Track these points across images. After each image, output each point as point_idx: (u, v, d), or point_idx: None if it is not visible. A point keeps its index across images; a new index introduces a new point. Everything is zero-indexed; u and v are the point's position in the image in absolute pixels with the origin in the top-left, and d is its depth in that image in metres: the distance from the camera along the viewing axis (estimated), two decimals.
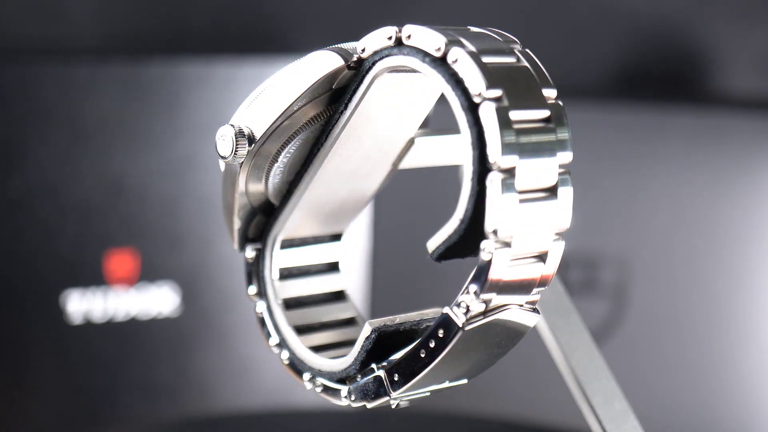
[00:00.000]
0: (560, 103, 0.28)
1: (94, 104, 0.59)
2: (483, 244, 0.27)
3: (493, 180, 0.26)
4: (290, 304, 0.34)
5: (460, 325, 0.28)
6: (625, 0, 0.72)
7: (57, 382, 0.59)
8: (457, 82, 0.27)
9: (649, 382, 0.63)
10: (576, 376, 0.34)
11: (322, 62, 0.30)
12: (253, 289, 0.34)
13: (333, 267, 0.35)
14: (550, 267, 0.28)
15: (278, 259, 0.34)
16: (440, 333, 0.28)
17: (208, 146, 0.61)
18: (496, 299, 0.28)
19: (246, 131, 0.31)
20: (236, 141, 0.31)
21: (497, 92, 0.26)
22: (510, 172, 0.26)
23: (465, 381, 0.31)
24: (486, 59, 0.27)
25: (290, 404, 0.63)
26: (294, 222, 0.34)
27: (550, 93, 0.28)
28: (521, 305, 0.28)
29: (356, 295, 0.64)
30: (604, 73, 0.73)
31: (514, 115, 0.27)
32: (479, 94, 0.26)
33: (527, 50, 0.28)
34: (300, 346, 0.33)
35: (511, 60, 0.27)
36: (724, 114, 0.64)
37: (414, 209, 0.66)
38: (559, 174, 0.27)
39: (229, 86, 0.62)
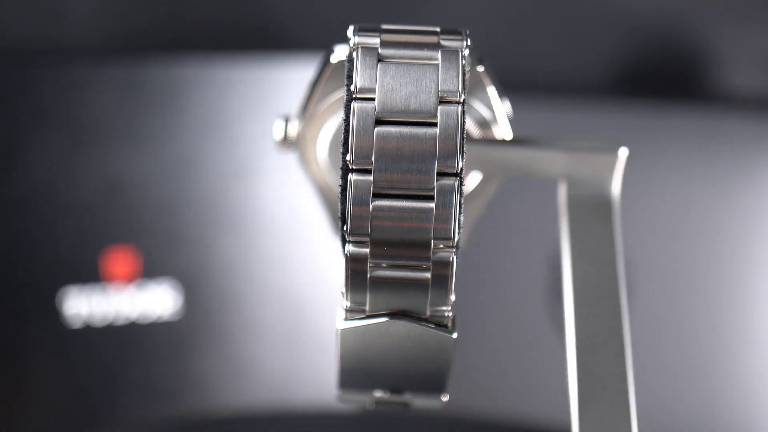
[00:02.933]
0: (457, 107, 0.27)
1: (94, 104, 0.59)
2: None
3: (348, 179, 0.26)
4: None
5: (337, 325, 0.28)
6: (625, 0, 0.72)
7: (57, 382, 0.59)
8: (348, 79, 0.27)
9: (649, 382, 0.63)
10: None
11: (324, 60, 0.31)
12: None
13: None
14: (439, 279, 0.27)
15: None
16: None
17: (208, 146, 0.61)
18: (375, 305, 0.27)
19: (291, 127, 0.32)
20: (282, 131, 0.33)
21: (368, 93, 0.26)
22: (365, 173, 0.26)
23: (444, 399, 0.30)
24: (393, 59, 0.27)
25: (290, 404, 0.63)
26: None
27: (450, 96, 0.27)
28: (422, 318, 0.27)
29: None
30: (604, 73, 0.73)
31: (386, 116, 0.26)
32: (353, 92, 0.26)
33: (464, 51, 0.27)
34: None
35: (422, 61, 0.27)
36: (724, 114, 0.64)
37: None
38: (442, 182, 0.26)
39: (229, 86, 0.61)
